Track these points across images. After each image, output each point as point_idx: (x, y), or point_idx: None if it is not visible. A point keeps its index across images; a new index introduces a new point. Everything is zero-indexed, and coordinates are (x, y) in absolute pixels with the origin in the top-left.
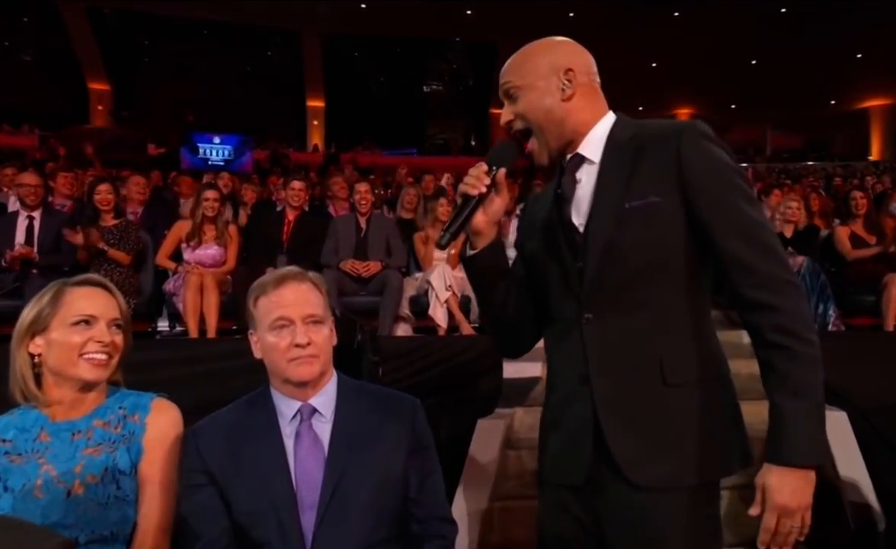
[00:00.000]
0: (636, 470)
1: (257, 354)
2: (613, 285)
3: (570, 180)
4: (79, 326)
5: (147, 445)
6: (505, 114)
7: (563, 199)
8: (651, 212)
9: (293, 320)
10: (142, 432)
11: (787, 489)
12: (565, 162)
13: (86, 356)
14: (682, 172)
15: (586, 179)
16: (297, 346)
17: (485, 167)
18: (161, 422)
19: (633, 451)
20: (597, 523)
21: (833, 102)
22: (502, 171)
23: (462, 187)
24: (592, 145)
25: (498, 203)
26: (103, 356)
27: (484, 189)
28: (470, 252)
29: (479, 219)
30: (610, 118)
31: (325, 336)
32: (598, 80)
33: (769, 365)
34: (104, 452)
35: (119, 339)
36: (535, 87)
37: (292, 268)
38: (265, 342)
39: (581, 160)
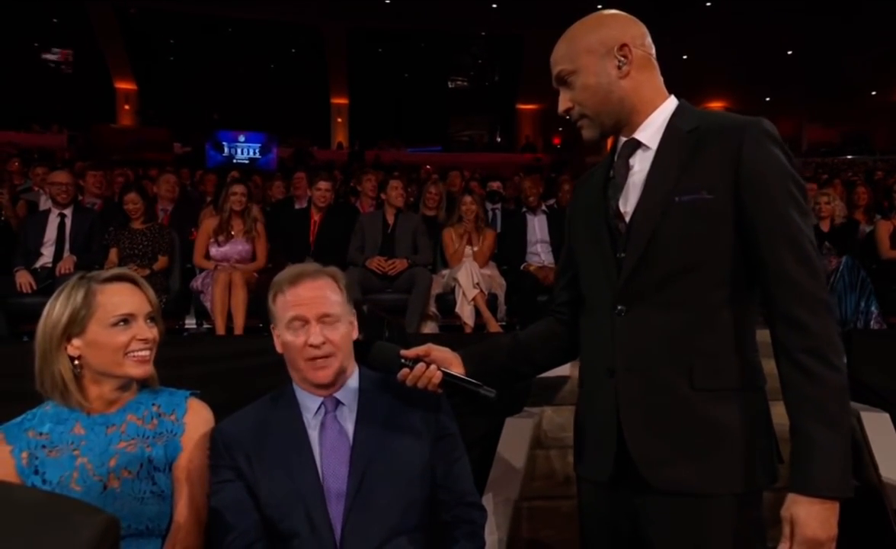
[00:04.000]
0: (653, 471)
1: (279, 348)
2: (652, 279)
3: (622, 165)
4: (119, 326)
5: (185, 443)
6: (562, 102)
7: (614, 185)
8: (700, 207)
9: (308, 319)
10: (181, 432)
11: (815, 521)
12: (619, 146)
13: (131, 355)
14: (739, 170)
15: (639, 165)
16: (312, 346)
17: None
18: (198, 421)
19: (651, 451)
20: (631, 520)
21: (873, 92)
22: (405, 371)
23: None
24: (650, 131)
25: (432, 367)
26: (146, 352)
27: (433, 377)
28: (487, 391)
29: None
30: (671, 104)
31: (342, 334)
32: (653, 50)
33: (795, 387)
34: (138, 446)
35: (155, 331)
36: (589, 69)
37: (309, 264)
38: (284, 340)
39: (637, 146)
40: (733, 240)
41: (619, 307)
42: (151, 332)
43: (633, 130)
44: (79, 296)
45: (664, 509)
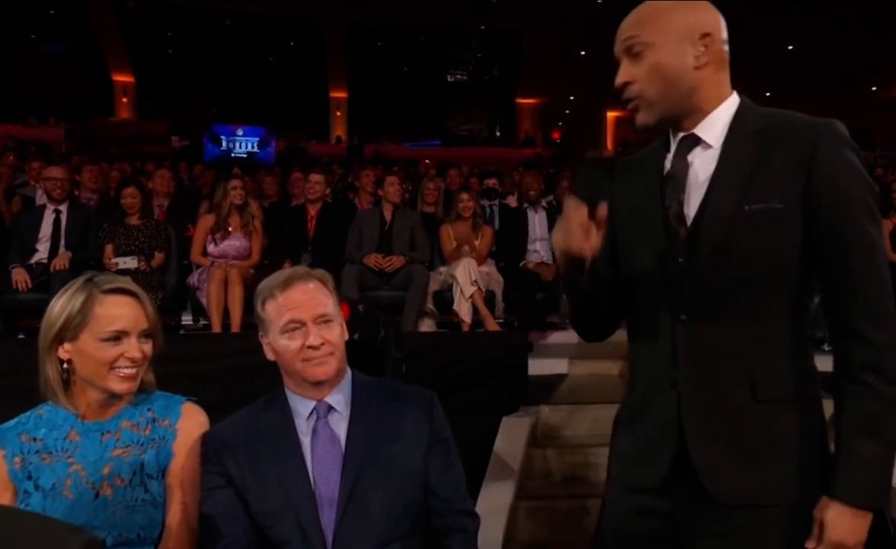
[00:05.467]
0: (713, 481)
1: (270, 356)
2: (717, 289)
3: (682, 164)
4: (109, 341)
5: (177, 450)
6: (623, 73)
7: (674, 184)
8: (771, 218)
9: (304, 321)
10: (173, 438)
11: (843, 526)
12: (675, 140)
13: (116, 370)
14: (812, 180)
15: (699, 163)
16: (311, 347)
17: (584, 216)
18: (191, 427)
19: (713, 461)
20: (674, 529)
21: (874, 88)
22: (602, 207)
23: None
24: (713, 128)
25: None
26: (133, 370)
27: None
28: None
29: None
30: (734, 100)
31: (337, 334)
32: (728, 49)
33: (848, 400)
34: (133, 453)
35: (148, 347)
36: (666, 47)
37: (297, 268)
38: (277, 345)
39: (696, 142)
40: (799, 249)
41: (682, 316)
42: (142, 350)
43: (694, 124)
44: (78, 302)
45: (721, 520)
